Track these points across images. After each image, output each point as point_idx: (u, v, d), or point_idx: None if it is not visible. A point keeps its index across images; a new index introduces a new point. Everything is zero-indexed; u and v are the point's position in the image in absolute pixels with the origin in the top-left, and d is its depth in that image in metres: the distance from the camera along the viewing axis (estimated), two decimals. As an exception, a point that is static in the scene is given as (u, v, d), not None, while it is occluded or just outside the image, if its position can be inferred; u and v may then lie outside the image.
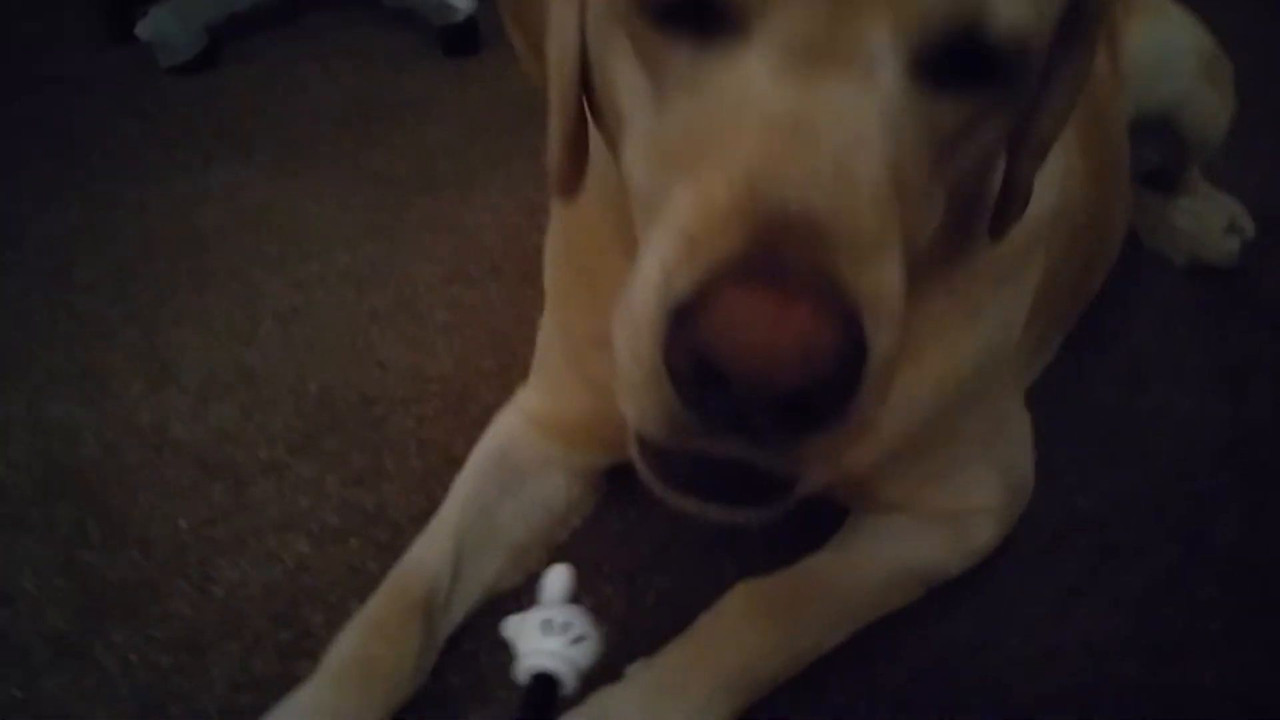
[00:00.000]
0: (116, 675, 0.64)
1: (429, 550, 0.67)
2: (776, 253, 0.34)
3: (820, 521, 0.71)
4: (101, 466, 0.83)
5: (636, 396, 0.38)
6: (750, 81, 0.38)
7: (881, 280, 0.36)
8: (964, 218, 0.57)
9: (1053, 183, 0.65)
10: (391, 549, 0.72)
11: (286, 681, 0.60)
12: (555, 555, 0.75)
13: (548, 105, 0.49)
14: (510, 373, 0.92)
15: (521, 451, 0.75)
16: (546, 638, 0.50)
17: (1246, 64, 1.12)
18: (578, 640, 0.50)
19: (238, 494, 0.80)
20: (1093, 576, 0.76)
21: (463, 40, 1.85)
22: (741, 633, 0.61)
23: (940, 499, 0.71)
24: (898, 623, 0.68)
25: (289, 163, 1.41)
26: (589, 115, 0.50)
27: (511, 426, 0.76)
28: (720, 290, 0.34)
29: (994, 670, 0.68)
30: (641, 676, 0.59)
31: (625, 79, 0.43)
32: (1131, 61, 1.03)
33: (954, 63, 0.39)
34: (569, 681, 0.51)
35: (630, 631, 0.67)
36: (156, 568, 0.73)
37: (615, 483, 0.79)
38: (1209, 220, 1.18)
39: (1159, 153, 1.15)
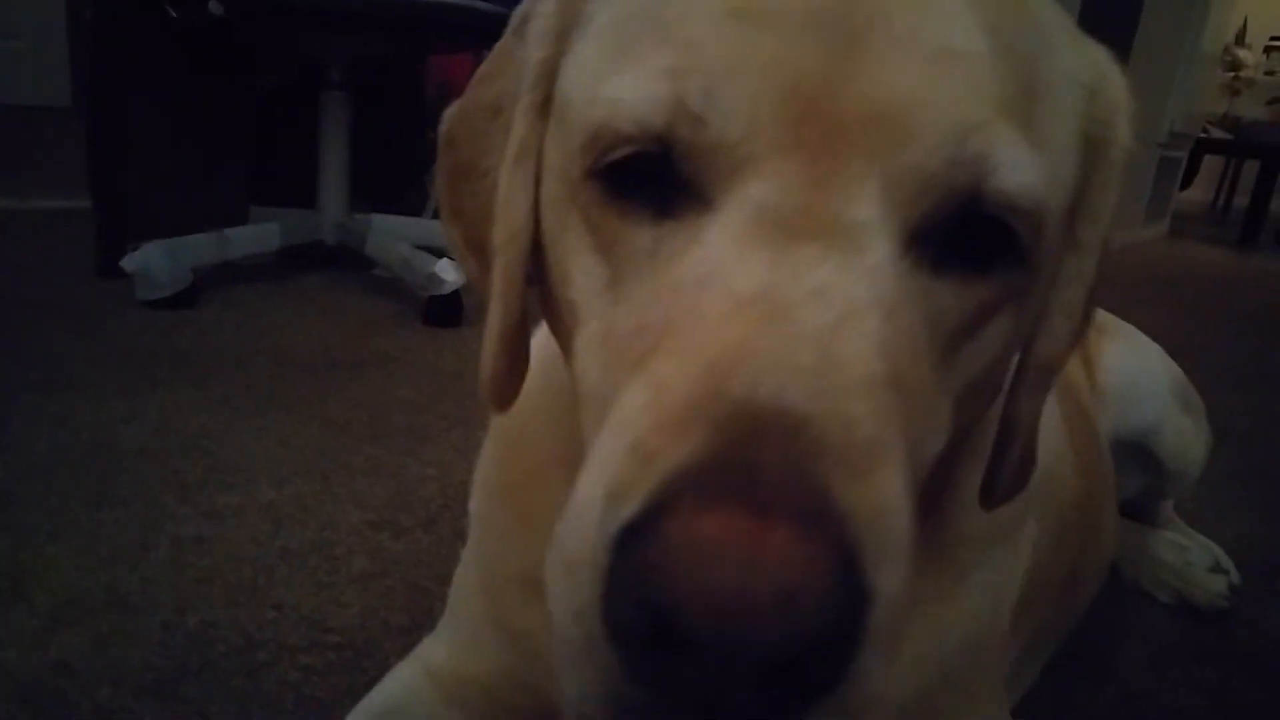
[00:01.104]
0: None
1: None
2: (747, 457, 0.28)
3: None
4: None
5: (575, 667, 0.30)
6: (715, 258, 0.34)
7: (883, 493, 0.29)
8: (949, 452, 0.52)
9: (1043, 435, 0.64)
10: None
11: None
12: None
13: (487, 304, 0.47)
14: (422, 631, 0.84)
15: (414, 716, 0.66)
16: None
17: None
18: None
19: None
20: None
21: (445, 312, 1.98)
22: None
23: None
24: None
25: (237, 398, 1.42)
26: (543, 314, 0.48)
27: (407, 682, 0.68)
28: (676, 507, 0.27)
29: None
30: None
31: (580, 268, 0.40)
32: (1109, 385, 1.10)
33: (956, 240, 0.36)
34: None
35: None
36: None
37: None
38: (1193, 556, 1.19)
39: (1137, 480, 1.18)
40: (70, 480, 1.09)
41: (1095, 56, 0.43)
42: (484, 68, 0.51)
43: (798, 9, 0.35)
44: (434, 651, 0.69)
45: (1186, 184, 6.01)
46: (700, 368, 0.31)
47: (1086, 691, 0.95)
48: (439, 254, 1.99)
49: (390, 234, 2.18)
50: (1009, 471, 0.49)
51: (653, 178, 0.36)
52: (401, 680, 0.68)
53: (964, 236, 0.36)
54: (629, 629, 0.27)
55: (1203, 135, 5.52)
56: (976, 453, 0.51)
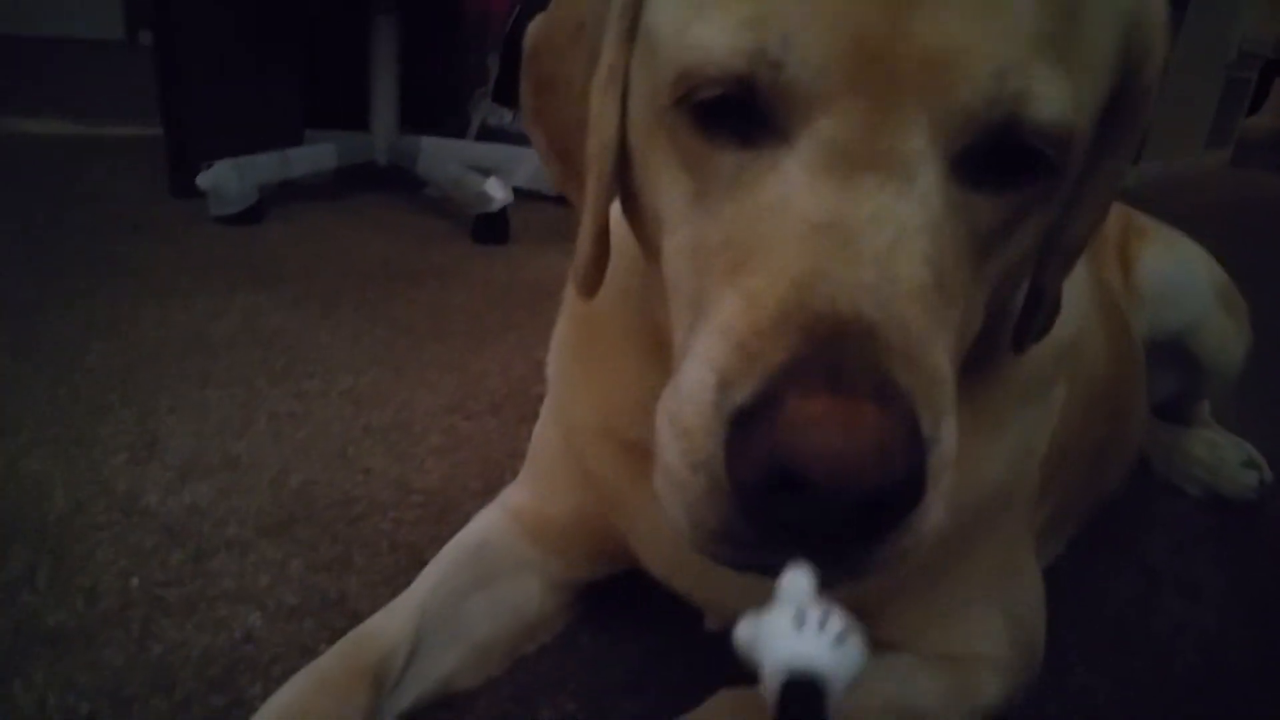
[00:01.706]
0: (29, 714, 0.63)
1: (389, 622, 0.68)
2: (833, 357, 0.36)
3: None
4: (66, 520, 0.85)
5: (691, 509, 0.39)
6: (791, 187, 0.41)
7: (931, 374, 0.39)
8: (990, 325, 0.59)
9: (1073, 309, 0.69)
10: (346, 634, 0.73)
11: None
12: (519, 666, 0.75)
13: (572, 201, 0.56)
14: (497, 494, 0.96)
15: (500, 549, 0.76)
16: (803, 635, 0.41)
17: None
18: (841, 639, 0.40)
19: (197, 563, 0.81)
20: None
21: (493, 230, 2.07)
22: None
23: (943, 641, 0.69)
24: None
25: (308, 302, 1.54)
26: (625, 217, 0.56)
27: (494, 521, 0.78)
28: (785, 397, 0.36)
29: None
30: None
31: (667, 181, 0.46)
32: (1146, 285, 1.14)
33: (994, 159, 0.42)
34: (837, 689, 0.41)
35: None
36: (97, 618, 0.73)
37: (591, 602, 0.80)
38: (1226, 452, 1.24)
39: (1174, 381, 1.22)
40: (176, 366, 1.23)
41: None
42: None
43: None
44: (516, 495, 0.80)
45: (1255, 108, 5.82)
46: (787, 284, 0.38)
47: (1108, 567, 1.03)
48: (486, 174, 2.08)
49: (440, 154, 2.27)
50: (1036, 326, 0.58)
51: (737, 111, 0.42)
52: (488, 519, 0.79)
53: (1001, 154, 0.42)
54: (751, 481, 0.36)
55: (1275, 56, 5.34)
56: (1010, 317, 0.60)
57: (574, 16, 0.54)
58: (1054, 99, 0.40)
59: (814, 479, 0.35)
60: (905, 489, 0.36)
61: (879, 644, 0.70)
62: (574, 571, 0.78)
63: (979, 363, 0.60)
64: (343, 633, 0.74)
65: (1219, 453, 1.24)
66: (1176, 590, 1.00)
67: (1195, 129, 4.65)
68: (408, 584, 0.75)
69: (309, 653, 0.72)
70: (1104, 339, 0.87)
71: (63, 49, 4.60)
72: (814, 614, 0.39)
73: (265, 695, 0.66)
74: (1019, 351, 0.60)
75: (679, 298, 0.46)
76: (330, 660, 0.64)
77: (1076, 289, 0.71)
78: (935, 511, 0.39)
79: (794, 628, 0.39)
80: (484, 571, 0.75)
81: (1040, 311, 0.57)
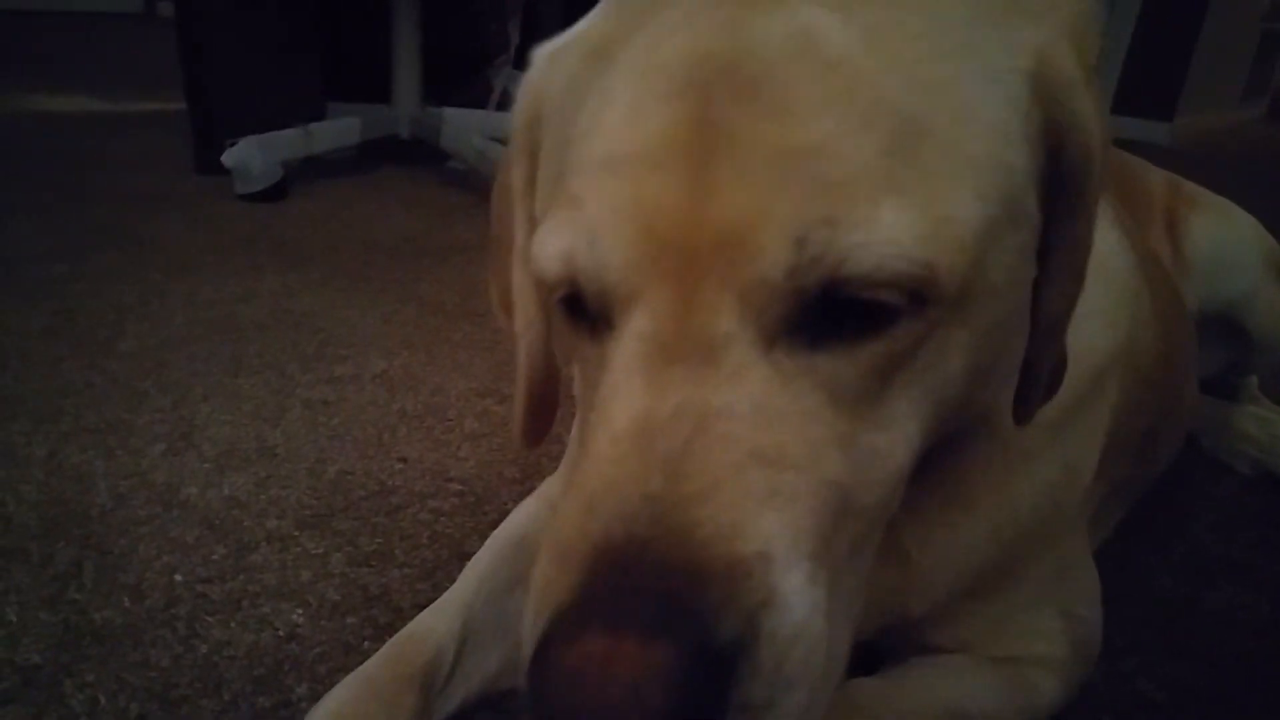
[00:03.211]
0: (81, 714, 0.63)
1: (436, 622, 0.67)
2: (603, 589, 0.34)
3: (862, 666, 0.70)
4: (108, 515, 0.85)
5: None
6: (611, 387, 0.40)
7: (743, 557, 0.35)
8: (974, 416, 0.55)
9: (1115, 323, 0.67)
10: (390, 631, 0.71)
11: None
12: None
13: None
14: (533, 482, 0.95)
15: (540, 544, 0.76)
16: None
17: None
18: None
19: (239, 558, 0.81)
20: (1156, 765, 0.73)
21: (521, 200, 2.04)
22: None
23: (999, 644, 0.68)
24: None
25: (337, 279, 1.53)
26: None
27: (533, 515, 0.77)
28: (549, 641, 0.35)
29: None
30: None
31: (560, 350, 0.51)
32: (1196, 256, 1.10)
33: (841, 313, 0.39)
34: None
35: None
36: (144, 615, 0.73)
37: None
38: (1277, 429, 1.21)
39: (1223, 355, 1.19)
40: (208, 350, 1.22)
41: (1029, 34, 0.43)
42: (508, 150, 0.56)
43: (655, 147, 0.39)
44: (556, 487, 0.79)
45: (1294, 60, 5.65)
46: (578, 507, 0.37)
47: (1154, 548, 1.01)
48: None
49: (463, 126, 2.23)
50: (1035, 397, 0.54)
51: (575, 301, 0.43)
52: (527, 512, 0.78)
53: (846, 307, 0.39)
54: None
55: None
56: (1001, 393, 0.54)
57: (509, 181, 0.54)
58: (881, 245, 0.37)
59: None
60: (688, 698, 0.33)
61: (935, 650, 0.69)
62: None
63: (990, 415, 0.57)
64: (386, 628, 0.74)
65: (1270, 429, 1.21)
66: (1226, 573, 0.97)
67: (1231, 83, 4.53)
68: (448, 577, 0.74)
69: (353, 650, 0.72)
70: (1154, 318, 0.85)
71: (81, 22, 4.58)
72: None
73: (312, 695, 0.66)
74: (1021, 423, 0.55)
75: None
76: (378, 664, 0.63)
77: (1117, 287, 0.69)
78: (797, 695, 0.36)
79: None
80: (525, 567, 0.74)
81: (1036, 385, 0.53)
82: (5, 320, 1.26)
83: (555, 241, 0.42)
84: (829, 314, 0.39)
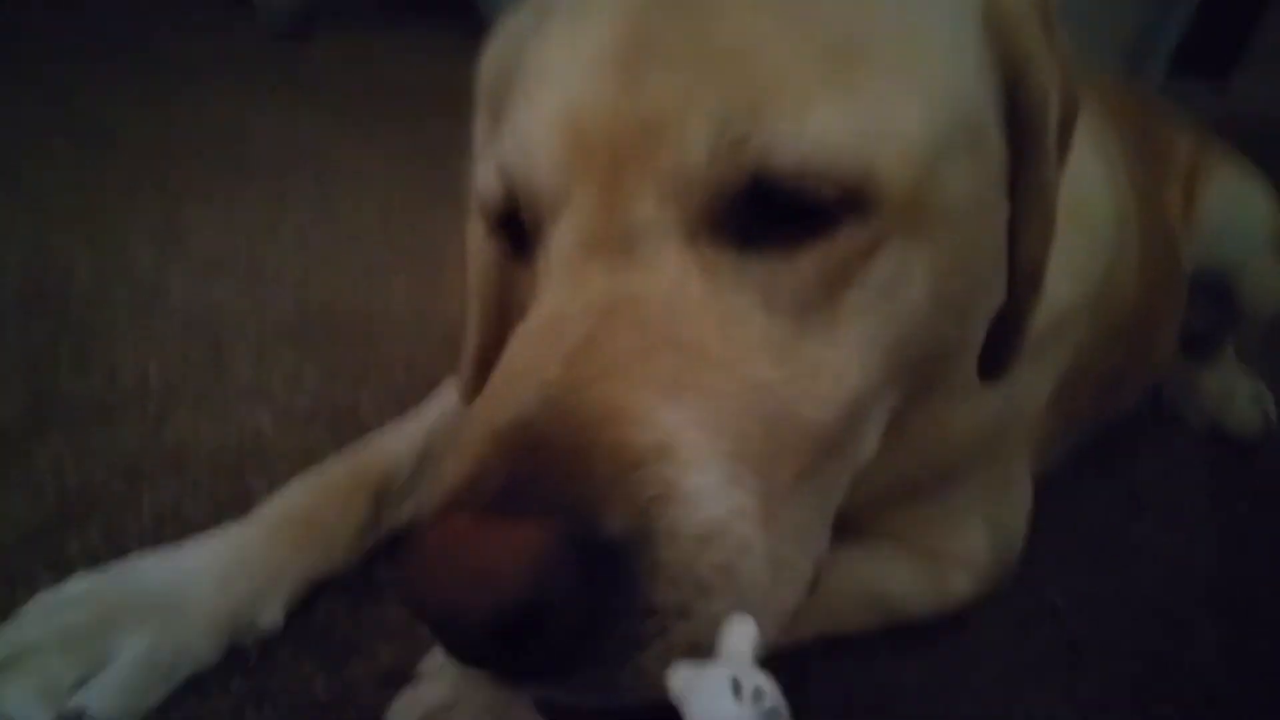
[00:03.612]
0: (46, 476, 0.65)
1: (396, 440, 0.68)
2: (486, 472, 0.32)
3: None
4: (89, 301, 0.85)
5: None
6: (539, 288, 0.40)
7: (634, 449, 0.33)
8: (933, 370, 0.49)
9: (1083, 273, 0.65)
10: (354, 444, 0.73)
11: (215, 528, 0.60)
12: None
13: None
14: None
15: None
16: (733, 703, 0.40)
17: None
18: (771, 715, 0.39)
19: (215, 358, 0.81)
20: (1050, 668, 0.76)
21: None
22: None
23: (923, 538, 0.70)
24: (846, 652, 0.68)
25: (348, 119, 1.49)
26: None
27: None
28: (422, 526, 0.33)
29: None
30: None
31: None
32: (1203, 218, 1.08)
33: (776, 214, 0.37)
34: None
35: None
36: (115, 397, 0.74)
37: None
38: (1238, 388, 1.21)
39: (1210, 317, 1.19)
40: (208, 161, 1.20)
41: None
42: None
43: (586, 58, 0.39)
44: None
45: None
46: (485, 396, 0.37)
47: (1096, 482, 1.02)
48: None
49: (495, -24, 2.13)
50: (1014, 349, 0.51)
51: (511, 224, 0.42)
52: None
53: (780, 206, 0.36)
54: (410, 609, 0.33)
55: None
56: (969, 351, 0.52)
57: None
58: (810, 138, 0.35)
59: (428, 613, 0.32)
60: (548, 602, 0.30)
61: (863, 535, 0.71)
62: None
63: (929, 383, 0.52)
64: (350, 442, 0.75)
65: (1231, 388, 1.22)
66: (1157, 516, 0.99)
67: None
68: (417, 405, 0.75)
69: (315, 457, 0.73)
70: (1138, 269, 0.83)
71: None
72: (749, 683, 0.37)
73: (270, 490, 0.67)
74: (987, 378, 0.53)
75: None
76: (336, 469, 0.64)
77: (1092, 238, 0.66)
78: (715, 604, 0.33)
79: (729, 692, 0.37)
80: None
81: (1015, 337, 0.50)
82: (4, 109, 1.22)
83: (493, 161, 0.42)
84: (762, 215, 0.37)
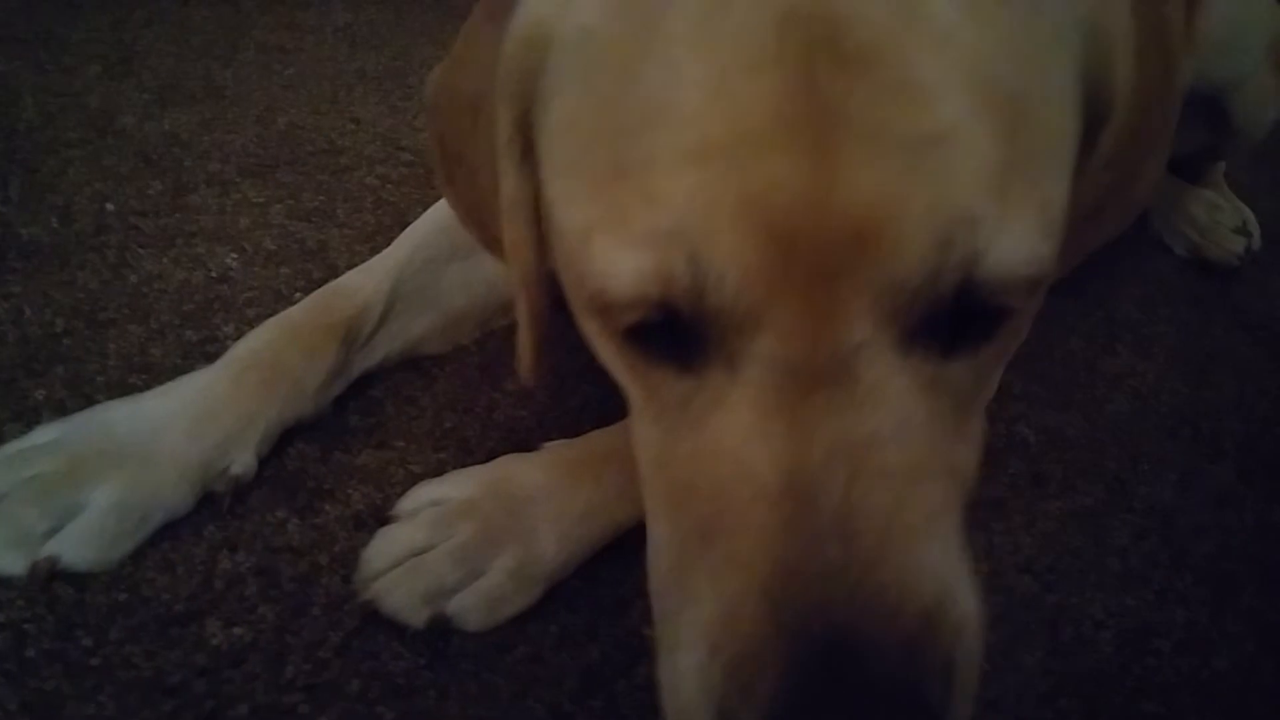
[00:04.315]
0: (5, 324, 0.61)
1: (366, 280, 0.64)
2: (836, 695, 0.31)
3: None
4: (36, 132, 0.78)
5: None
6: (742, 431, 0.34)
7: (931, 595, 0.33)
8: None
9: None
10: (323, 285, 0.69)
11: (182, 374, 0.57)
12: (488, 338, 0.73)
13: (506, 262, 0.46)
14: (489, 163, 0.88)
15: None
16: None
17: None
18: None
19: (176, 196, 0.76)
20: (1014, 497, 0.77)
21: None
22: None
23: None
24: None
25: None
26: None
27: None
28: None
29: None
30: (557, 453, 0.58)
31: (620, 375, 0.40)
32: (1204, 33, 0.99)
33: (962, 318, 0.34)
34: None
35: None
36: (72, 238, 0.69)
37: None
38: (1223, 215, 1.17)
39: (1201, 138, 1.12)
40: (154, -28, 1.07)
41: None
42: (459, 48, 0.47)
43: (757, 128, 0.31)
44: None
45: None
46: (759, 591, 0.32)
47: (1075, 311, 1.00)
48: None
49: None
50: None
51: (670, 330, 0.34)
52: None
53: (969, 312, 0.34)
54: None
55: None
56: None
57: (467, 94, 0.45)
58: (1014, 247, 0.32)
59: None
60: None
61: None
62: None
63: None
64: (319, 283, 0.71)
65: (1215, 215, 1.17)
66: (1131, 344, 0.97)
67: None
68: (388, 243, 0.70)
69: (284, 299, 0.69)
70: (1132, 92, 0.76)
71: None
72: None
73: (238, 335, 0.64)
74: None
75: (655, 526, 0.40)
76: (304, 311, 0.61)
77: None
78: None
79: None
80: (463, 241, 0.70)
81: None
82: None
83: (638, 258, 0.32)
84: (958, 319, 0.34)
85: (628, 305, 0.34)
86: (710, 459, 0.35)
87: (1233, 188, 1.24)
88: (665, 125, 0.32)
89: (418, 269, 0.67)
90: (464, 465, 0.57)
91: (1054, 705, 0.55)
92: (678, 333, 0.34)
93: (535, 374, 0.49)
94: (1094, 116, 0.39)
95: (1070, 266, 0.95)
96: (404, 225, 0.72)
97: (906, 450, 0.34)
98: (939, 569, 0.34)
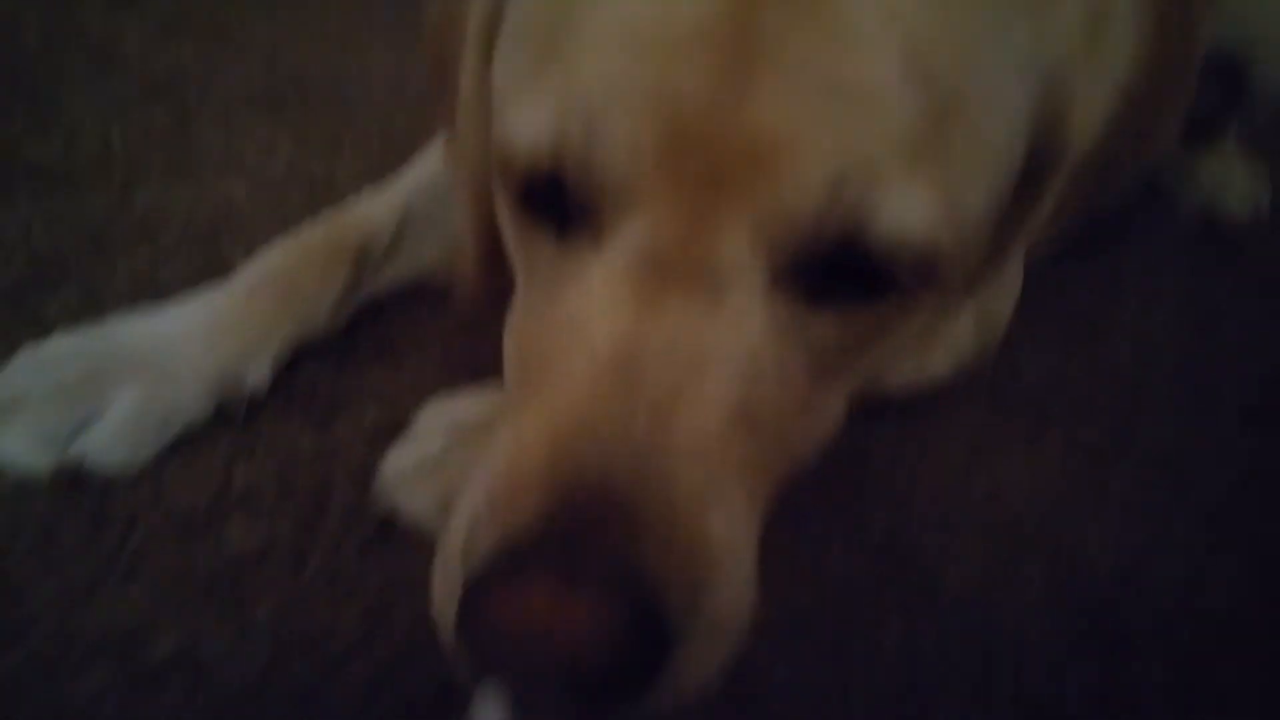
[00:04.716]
0: (16, 240, 0.61)
1: (377, 206, 0.64)
2: (565, 533, 0.30)
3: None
4: (40, 61, 0.78)
5: (445, 630, 0.34)
6: (592, 302, 0.34)
7: (697, 541, 0.32)
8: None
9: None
10: (331, 214, 0.69)
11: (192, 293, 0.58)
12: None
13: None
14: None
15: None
16: None
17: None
18: None
19: (182, 125, 0.76)
20: (1015, 439, 0.77)
21: None
22: None
23: None
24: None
25: None
26: None
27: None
28: (498, 573, 0.31)
29: (895, 481, 0.69)
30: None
31: (512, 245, 0.40)
32: None
33: (837, 271, 0.34)
34: None
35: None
36: (79, 163, 0.69)
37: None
38: (1234, 172, 1.17)
39: (1215, 100, 1.12)
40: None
41: (1057, 31, 0.38)
42: None
43: (685, 33, 0.32)
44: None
45: None
46: (549, 436, 0.32)
47: (1080, 269, 1.00)
48: None
49: None
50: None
51: (556, 195, 0.35)
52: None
53: (848, 267, 0.34)
54: (472, 651, 0.32)
55: None
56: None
57: (454, 15, 0.45)
58: (908, 211, 0.32)
59: (510, 668, 0.31)
60: (624, 670, 0.31)
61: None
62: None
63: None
64: (328, 211, 0.71)
65: (1227, 172, 1.17)
66: (1137, 296, 0.98)
67: None
68: (395, 173, 0.70)
69: (292, 226, 0.69)
70: (1147, 61, 0.77)
71: None
72: None
73: (247, 258, 0.64)
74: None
75: (508, 372, 0.41)
76: (316, 233, 0.61)
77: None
78: (696, 670, 0.33)
79: None
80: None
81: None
82: None
83: (540, 116, 0.34)
84: (832, 272, 0.34)
85: (524, 165, 0.35)
86: (556, 328, 0.36)
87: (1243, 148, 1.25)
88: (603, 18, 0.34)
89: (428, 199, 0.67)
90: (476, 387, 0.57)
91: (1051, 622, 0.56)
92: (563, 203, 0.35)
93: (479, 290, 0.50)
94: (1038, 164, 0.40)
95: (1080, 221, 0.96)
96: (411, 161, 0.72)
97: (738, 386, 0.34)
98: (734, 525, 0.34)
